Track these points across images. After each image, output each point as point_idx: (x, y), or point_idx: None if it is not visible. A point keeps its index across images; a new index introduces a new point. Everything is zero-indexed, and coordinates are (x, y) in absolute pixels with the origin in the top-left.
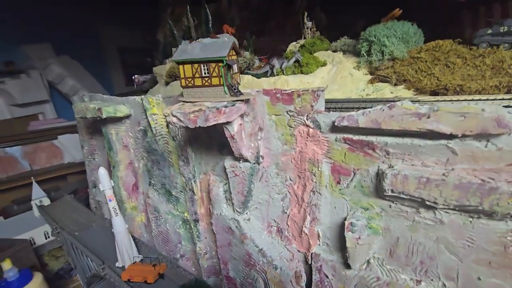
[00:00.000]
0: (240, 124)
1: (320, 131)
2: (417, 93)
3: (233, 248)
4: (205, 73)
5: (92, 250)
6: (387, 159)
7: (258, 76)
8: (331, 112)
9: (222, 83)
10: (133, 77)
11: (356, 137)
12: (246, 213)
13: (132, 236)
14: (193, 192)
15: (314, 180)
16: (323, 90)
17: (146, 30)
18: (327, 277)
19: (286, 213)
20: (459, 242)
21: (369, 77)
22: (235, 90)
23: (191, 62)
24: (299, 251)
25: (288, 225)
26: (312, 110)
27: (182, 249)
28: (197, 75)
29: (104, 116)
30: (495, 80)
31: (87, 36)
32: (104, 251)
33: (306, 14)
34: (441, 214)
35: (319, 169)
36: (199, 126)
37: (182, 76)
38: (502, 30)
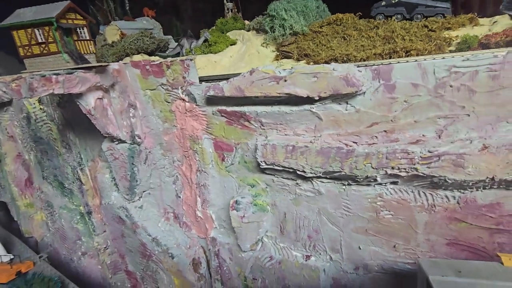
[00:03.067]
0: (100, 99)
1: (196, 105)
2: None
3: (127, 239)
4: (41, 39)
5: None
6: (263, 130)
7: (168, 57)
8: (203, 83)
9: (60, 49)
10: None
11: (229, 109)
12: (138, 200)
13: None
14: (81, 182)
15: (198, 158)
16: (192, 59)
17: None
18: (225, 261)
19: (180, 197)
20: (338, 212)
21: (275, 54)
22: (80, 57)
23: (23, 26)
24: (199, 236)
25: (183, 209)
26: (184, 82)
27: (83, 246)
28: (33, 42)
29: None
30: (380, 49)
31: None
32: None
33: None
34: (318, 184)
35: (201, 146)
36: (68, 98)
37: (18, 44)
38: (393, 1)
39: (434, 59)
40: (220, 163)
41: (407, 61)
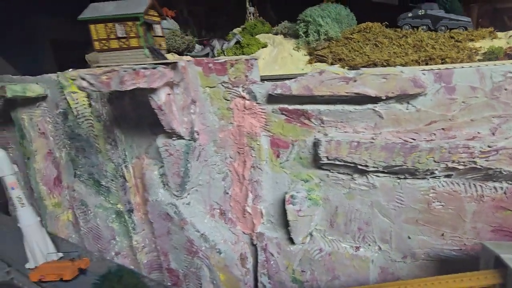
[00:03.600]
0: (169, 94)
1: (256, 103)
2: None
3: (172, 236)
4: (121, 34)
5: None
6: (322, 128)
7: (197, 57)
8: (265, 82)
9: (141, 44)
10: None
11: (291, 107)
12: (186, 197)
13: (52, 235)
14: (125, 179)
15: (254, 155)
16: (256, 59)
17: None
18: (272, 255)
19: (228, 193)
20: (390, 204)
21: (308, 57)
22: (158, 53)
23: (104, 20)
24: (244, 232)
25: (231, 206)
26: (246, 80)
27: (117, 246)
28: (112, 36)
29: (8, 95)
30: (416, 56)
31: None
32: (16, 253)
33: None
34: (373, 178)
35: (258, 143)
36: (118, 94)
37: (95, 37)
38: (420, 13)
39: (494, 65)
40: (275, 160)
41: (470, 66)
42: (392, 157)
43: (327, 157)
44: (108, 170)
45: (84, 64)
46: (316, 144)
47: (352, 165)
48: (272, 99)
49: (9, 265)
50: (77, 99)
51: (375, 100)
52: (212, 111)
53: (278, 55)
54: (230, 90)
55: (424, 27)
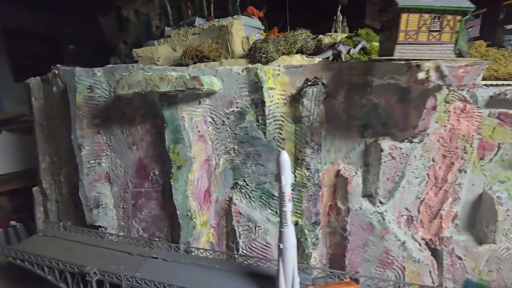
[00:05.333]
0: None
1: (476, 106)
2: None
3: (368, 248)
4: (435, 27)
5: None
6: None
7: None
8: (490, 87)
9: (454, 40)
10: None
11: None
12: (386, 204)
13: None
14: (319, 187)
15: (465, 158)
16: (487, 64)
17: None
18: (459, 258)
19: (419, 198)
20: None
21: None
22: (461, 51)
23: (421, 10)
24: (422, 238)
25: (419, 211)
26: (474, 84)
27: None
28: (424, 29)
29: (205, 88)
30: None
31: None
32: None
33: (339, 7)
34: None
35: (472, 146)
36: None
37: (403, 28)
38: None
39: None
40: (477, 162)
41: None
42: None
43: None
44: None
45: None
46: None
47: None
48: (492, 103)
49: None
50: (272, 96)
51: None
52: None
53: None
54: (455, 93)
55: None
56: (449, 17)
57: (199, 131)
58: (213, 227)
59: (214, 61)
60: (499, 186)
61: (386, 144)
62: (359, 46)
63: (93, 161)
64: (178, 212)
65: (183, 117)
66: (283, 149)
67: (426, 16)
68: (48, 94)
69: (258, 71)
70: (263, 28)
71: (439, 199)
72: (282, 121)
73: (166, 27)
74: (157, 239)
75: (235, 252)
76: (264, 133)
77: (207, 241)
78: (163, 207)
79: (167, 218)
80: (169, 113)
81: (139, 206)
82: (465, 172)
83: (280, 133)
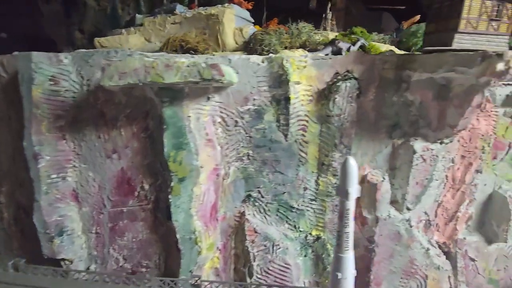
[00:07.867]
0: None
1: (494, 105)
2: None
3: (394, 259)
4: (495, 16)
5: None
6: None
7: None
8: (508, 85)
9: (510, 31)
10: None
11: None
12: (409, 210)
13: None
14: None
15: (483, 158)
16: None
17: None
18: (472, 260)
19: (437, 201)
20: None
21: None
22: None
23: None
24: (437, 241)
25: (436, 214)
26: (494, 82)
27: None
28: (484, 17)
29: (226, 80)
30: None
31: None
32: None
33: (329, 5)
34: None
35: (489, 146)
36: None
37: (465, 15)
38: None
39: None
40: (489, 161)
41: None
42: None
43: None
44: (311, 187)
45: None
46: None
47: None
48: (508, 102)
49: None
50: (298, 92)
51: None
52: None
53: None
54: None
55: None
56: (509, 5)
57: (207, 134)
58: (219, 249)
59: (202, 54)
60: (506, 185)
61: (419, 145)
62: (358, 43)
63: (54, 175)
64: (178, 236)
65: (189, 116)
66: (305, 153)
67: (488, 2)
68: None
69: (284, 61)
70: (253, 20)
71: (456, 201)
72: (307, 121)
73: (137, 14)
74: (144, 270)
75: (248, 280)
76: (286, 135)
77: (211, 267)
78: (154, 230)
79: (159, 243)
80: (171, 111)
81: (119, 229)
82: (480, 172)
83: (304, 135)
